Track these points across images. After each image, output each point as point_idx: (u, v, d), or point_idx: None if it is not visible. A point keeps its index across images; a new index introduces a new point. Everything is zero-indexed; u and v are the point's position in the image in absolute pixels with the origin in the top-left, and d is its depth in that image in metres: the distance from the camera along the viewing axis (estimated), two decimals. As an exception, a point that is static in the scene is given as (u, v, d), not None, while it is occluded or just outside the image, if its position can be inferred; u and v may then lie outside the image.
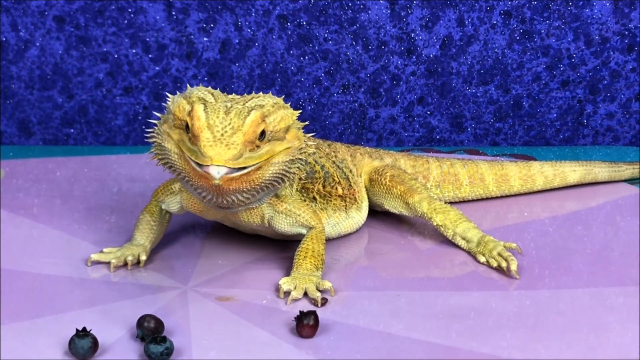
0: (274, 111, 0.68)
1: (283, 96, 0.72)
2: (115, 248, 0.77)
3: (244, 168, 0.65)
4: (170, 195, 0.78)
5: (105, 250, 0.77)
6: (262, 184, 0.68)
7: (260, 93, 0.70)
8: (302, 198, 0.78)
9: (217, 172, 0.63)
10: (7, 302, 0.68)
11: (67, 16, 1.16)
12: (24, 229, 0.85)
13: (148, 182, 1.01)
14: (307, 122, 0.73)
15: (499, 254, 0.76)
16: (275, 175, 0.68)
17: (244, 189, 0.67)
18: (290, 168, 0.69)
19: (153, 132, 0.71)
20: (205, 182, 0.65)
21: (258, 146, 0.66)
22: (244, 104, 0.67)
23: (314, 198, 0.79)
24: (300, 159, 0.70)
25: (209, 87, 0.71)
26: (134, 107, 1.21)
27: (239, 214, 0.74)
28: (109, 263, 0.75)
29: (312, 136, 0.74)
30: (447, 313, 0.67)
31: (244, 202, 0.70)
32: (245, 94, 0.70)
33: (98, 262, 0.76)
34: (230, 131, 0.64)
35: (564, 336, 0.64)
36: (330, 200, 0.81)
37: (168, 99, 0.71)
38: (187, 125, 0.66)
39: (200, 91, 0.69)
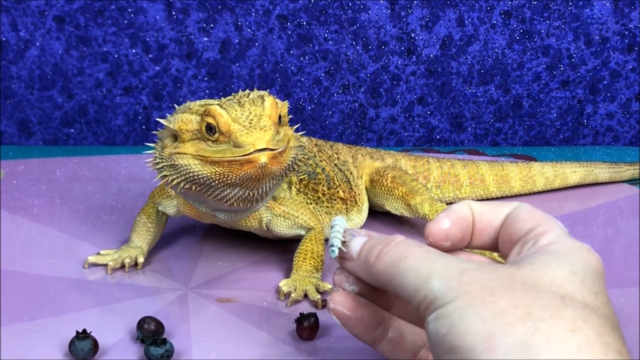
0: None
1: (274, 96, 0.72)
2: (113, 250, 0.77)
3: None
4: (167, 198, 0.77)
5: (102, 252, 0.77)
6: (286, 168, 0.67)
7: (247, 90, 0.70)
8: (307, 200, 0.78)
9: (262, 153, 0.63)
10: (7, 302, 0.68)
11: (67, 16, 1.16)
12: (24, 229, 0.85)
13: (148, 182, 1.01)
14: (299, 125, 0.73)
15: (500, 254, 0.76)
16: (293, 159, 0.67)
17: (277, 171, 0.66)
18: (297, 155, 0.69)
19: (154, 161, 0.69)
20: (251, 167, 0.64)
21: (278, 131, 0.66)
22: (249, 96, 0.67)
23: (318, 198, 0.79)
24: (301, 146, 0.70)
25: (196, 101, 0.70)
26: (134, 107, 1.21)
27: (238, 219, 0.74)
28: (106, 265, 0.75)
29: (313, 137, 0.74)
30: (447, 314, 0.67)
31: (268, 191, 0.69)
32: (234, 93, 0.69)
33: (95, 265, 0.76)
34: (255, 118, 0.64)
35: (564, 338, 0.63)
36: (334, 203, 0.81)
37: (161, 122, 0.69)
38: (200, 134, 0.65)
39: (192, 103, 0.68)
